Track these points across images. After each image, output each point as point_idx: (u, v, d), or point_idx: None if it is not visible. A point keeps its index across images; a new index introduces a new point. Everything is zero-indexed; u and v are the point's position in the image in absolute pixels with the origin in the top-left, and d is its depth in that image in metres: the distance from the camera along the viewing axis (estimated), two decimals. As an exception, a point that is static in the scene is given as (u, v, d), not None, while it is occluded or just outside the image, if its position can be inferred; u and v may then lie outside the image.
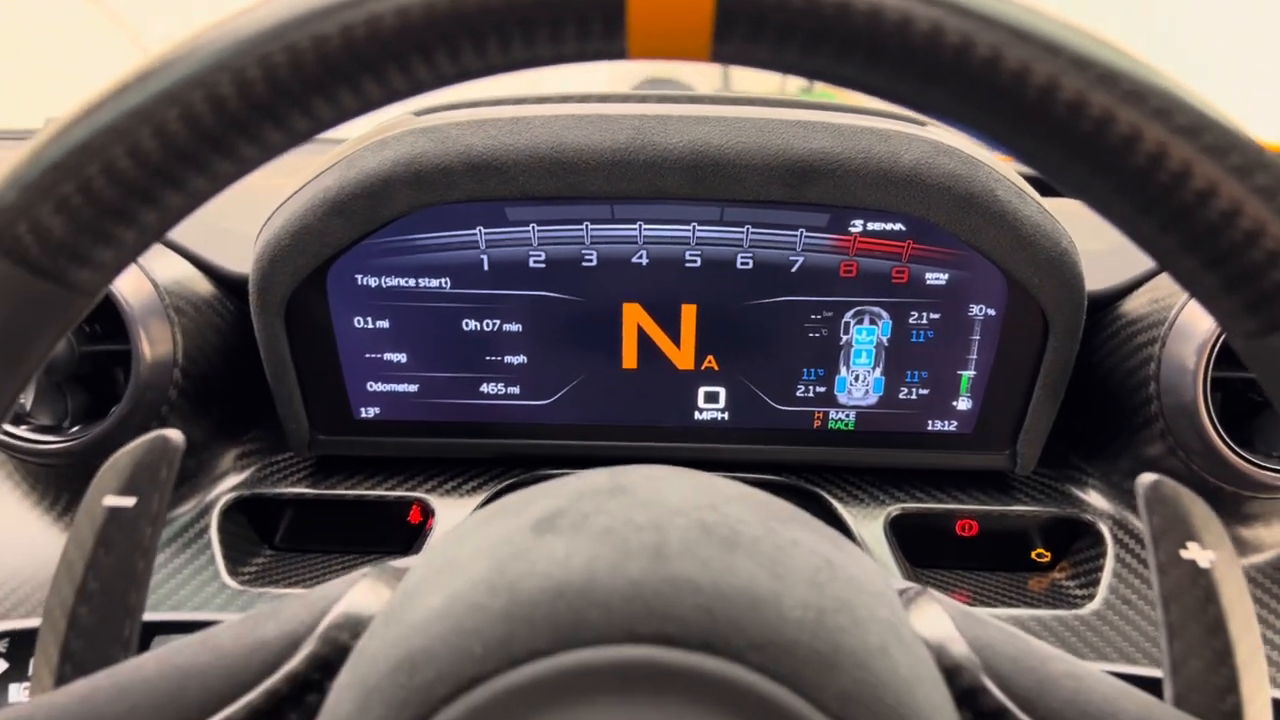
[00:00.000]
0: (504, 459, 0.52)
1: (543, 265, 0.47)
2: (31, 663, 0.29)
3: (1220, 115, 0.20)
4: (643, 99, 0.47)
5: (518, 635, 0.21)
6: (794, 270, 0.47)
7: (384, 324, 0.48)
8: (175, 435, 0.29)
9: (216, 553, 0.48)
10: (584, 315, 0.48)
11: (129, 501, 0.29)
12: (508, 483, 0.52)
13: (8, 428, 0.46)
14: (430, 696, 0.22)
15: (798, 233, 0.46)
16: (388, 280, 0.47)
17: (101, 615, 0.29)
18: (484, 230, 0.46)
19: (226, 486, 0.51)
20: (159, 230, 0.23)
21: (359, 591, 0.27)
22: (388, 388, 0.50)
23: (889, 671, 0.22)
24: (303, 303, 0.47)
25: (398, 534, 0.52)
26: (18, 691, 0.39)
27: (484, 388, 0.50)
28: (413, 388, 0.50)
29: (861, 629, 0.22)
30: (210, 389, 0.49)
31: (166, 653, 0.27)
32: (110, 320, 0.46)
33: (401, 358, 0.49)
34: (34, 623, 0.41)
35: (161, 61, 0.22)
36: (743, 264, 0.47)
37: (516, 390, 0.50)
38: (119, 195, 0.22)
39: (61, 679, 0.29)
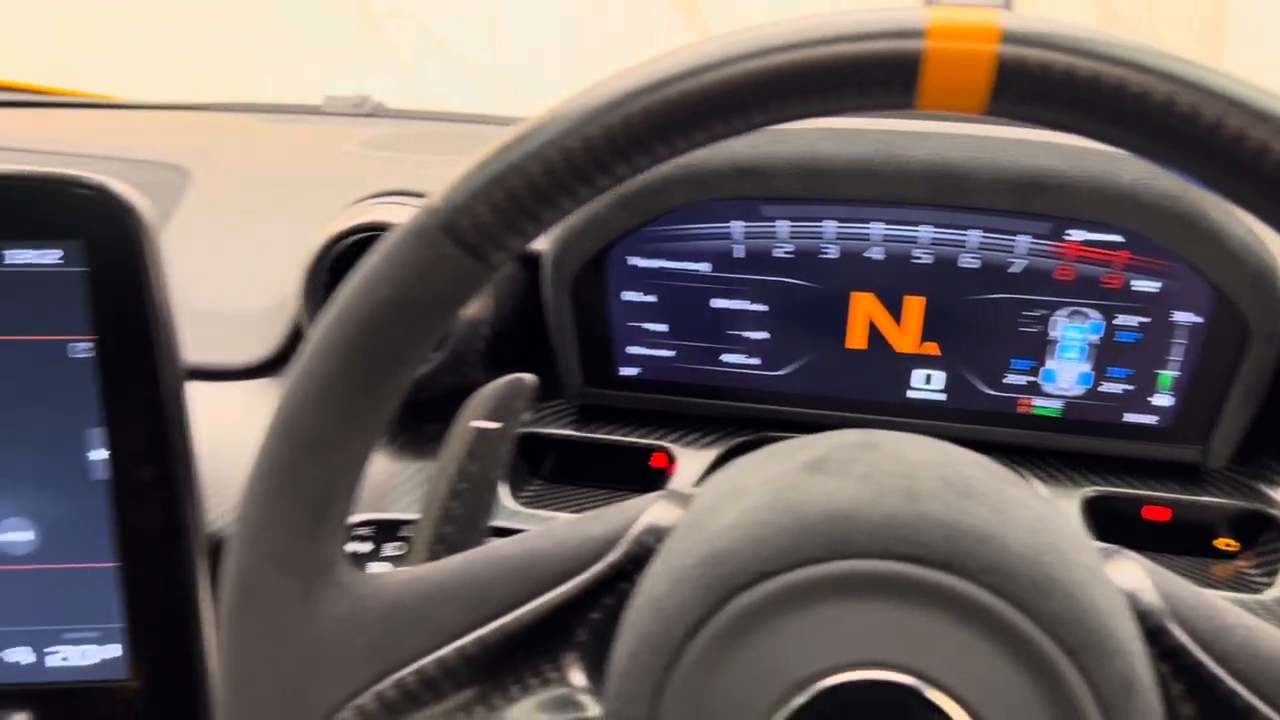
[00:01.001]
0: (738, 419, 0.60)
1: (787, 256, 0.55)
2: (410, 542, 0.39)
3: None
4: (886, 114, 0.54)
5: (799, 545, 0.29)
6: (1014, 271, 0.53)
7: (650, 299, 0.57)
8: (530, 378, 0.39)
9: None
10: (819, 300, 0.56)
11: (493, 425, 0.39)
12: (740, 440, 0.60)
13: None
14: (730, 584, 0.30)
15: (1020, 239, 0.52)
16: (656, 262, 0.56)
17: (468, 509, 0.39)
18: (740, 224, 0.55)
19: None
20: (550, 225, 0.32)
21: (658, 509, 0.35)
22: (647, 352, 0.59)
23: (1090, 603, 0.28)
24: (585, 278, 0.56)
25: (642, 475, 0.61)
26: (374, 568, 0.51)
27: (726, 357, 0.58)
28: (668, 353, 0.59)
29: (1069, 568, 0.29)
30: (505, 344, 0.59)
31: (518, 540, 0.36)
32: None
33: (662, 328, 0.58)
34: (389, 515, 0.53)
35: (562, 108, 0.30)
36: (966, 264, 0.53)
37: (755, 361, 0.58)
38: (532, 200, 0.30)
39: (433, 556, 0.39)
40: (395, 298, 0.31)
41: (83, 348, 0.46)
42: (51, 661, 0.49)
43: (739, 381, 0.59)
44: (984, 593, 0.28)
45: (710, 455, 0.59)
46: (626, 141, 0.29)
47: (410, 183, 0.60)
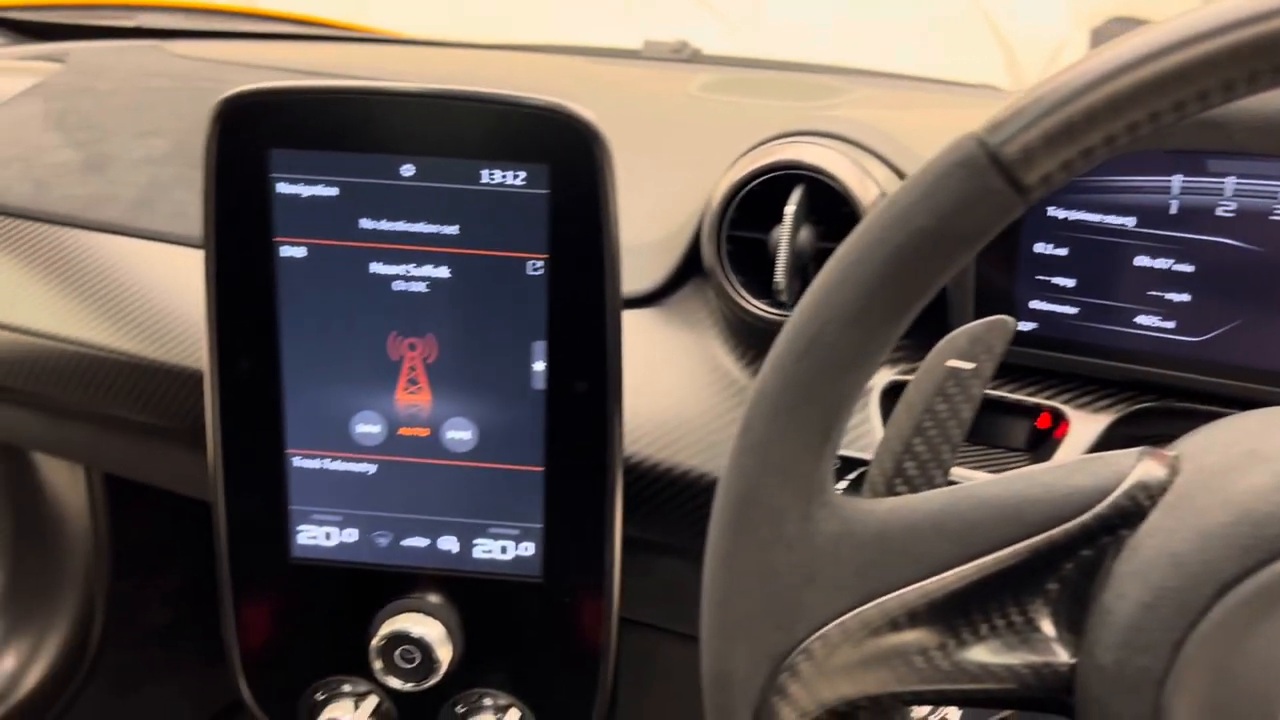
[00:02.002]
0: (1139, 385, 0.57)
1: (1229, 215, 0.51)
2: (867, 476, 0.39)
3: None
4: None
5: None
6: None
7: (1061, 252, 0.55)
8: (1011, 321, 0.38)
9: (876, 424, 0.58)
10: (1259, 263, 0.52)
11: (967, 365, 0.38)
12: (1139, 407, 0.57)
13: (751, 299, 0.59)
14: (1273, 548, 0.29)
15: None
16: (1075, 214, 0.54)
17: (931, 448, 0.39)
18: (1180, 178, 0.51)
19: (884, 375, 0.61)
20: (1092, 165, 0.31)
21: (1146, 466, 0.34)
22: (1049, 307, 0.57)
23: None
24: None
25: (1027, 435, 0.59)
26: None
27: (1140, 319, 0.55)
28: (1072, 310, 0.56)
29: None
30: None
31: (1002, 482, 0.36)
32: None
33: (1069, 283, 0.56)
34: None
35: (1127, 48, 0.29)
36: None
37: (1171, 325, 0.55)
38: (1086, 134, 0.30)
39: (891, 492, 0.39)
40: (934, 229, 0.32)
41: (538, 266, 0.49)
42: (475, 553, 0.54)
43: (1149, 345, 0.55)
44: None
45: (1105, 420, 0.57)
46: (1192, 82, 0.29)
47: (765, 127, 0.60)
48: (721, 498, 0.36)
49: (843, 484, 0.53)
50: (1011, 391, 0.59)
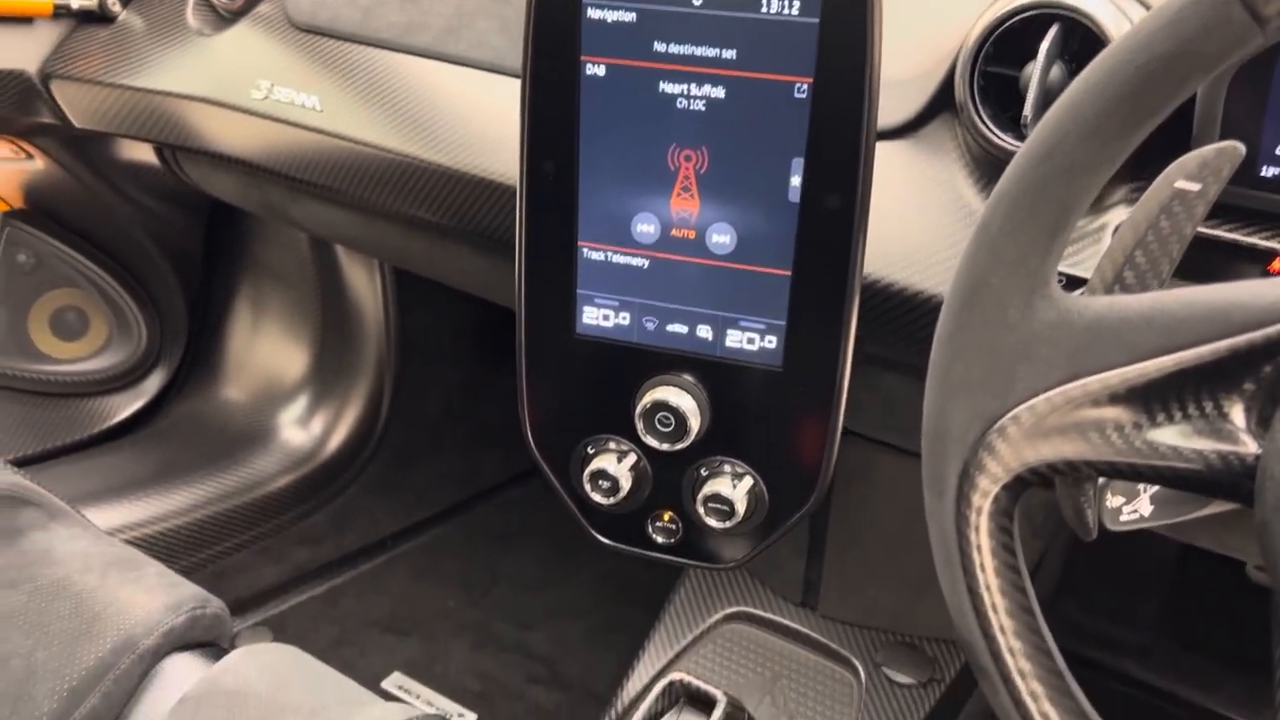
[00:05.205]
0: None
1: None
2: (1089, 281, 0.44)
3: None
4: None
5: None
6: None
7: None
8: (1239, 145, 0.42)
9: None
10: None
11: (1193, 186, 0.42)
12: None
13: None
14: None
15: None
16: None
17: (1151, 261, 0.43)
18: None
19: (1119, 214, 0.64)
20: None
21: None
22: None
23: None
24: (1252, 66, 0.56)
25: (1255, 277, 0.61)
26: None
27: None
28: None
29: None
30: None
31: (1213, 287, 0.40)
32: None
33: None
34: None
35: None
36: None
37: None
38: None
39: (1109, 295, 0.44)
40: (1173, 53, 0.36)
41: (803, 89, 0.55)
42: (726, 341, 0.63)
43: None
44: None
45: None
46: None
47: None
48: (954, 283, 0.42)
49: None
50: (1247, 235, 0.61)
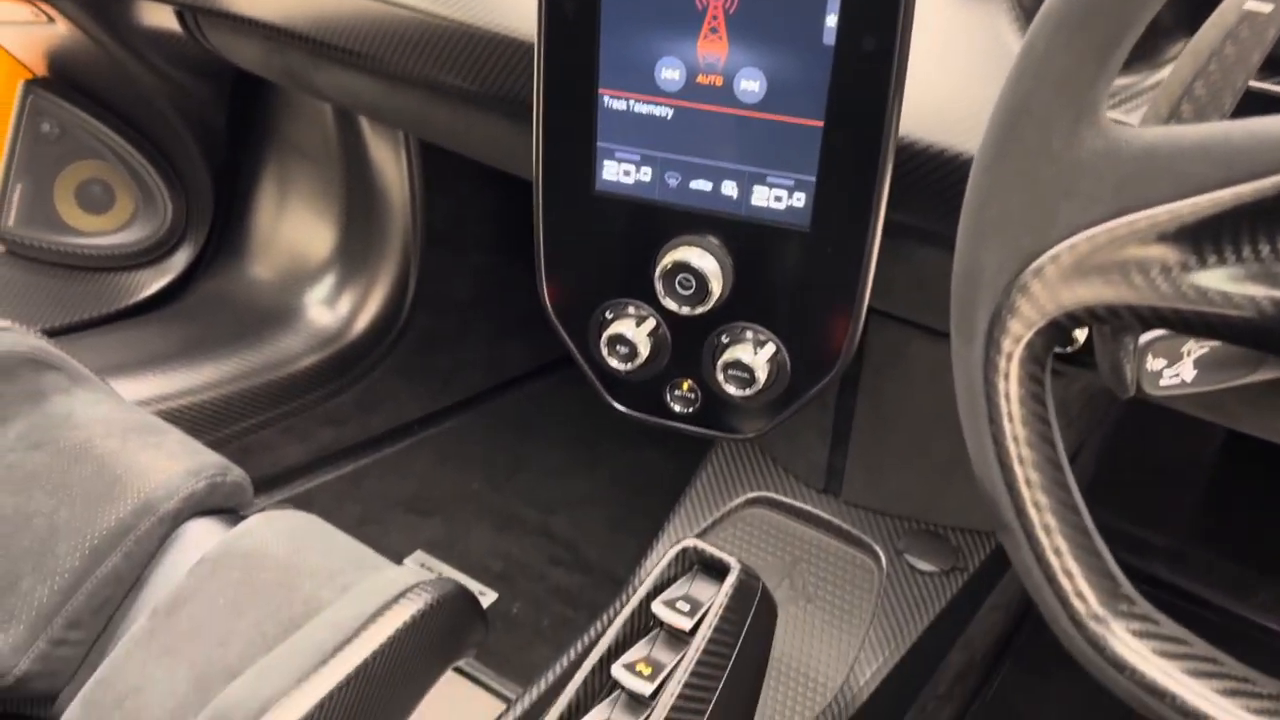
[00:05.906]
0: None
1: None
2: (1145, 113, 0.41)
3: None
4: None
5: None
6: None
7: None
8: None
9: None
10: None
11: (1267, 8, 0.38)
12: None
13: None
14: None
15: None
16: None
17: (1212, 92, 0.39)
18: None
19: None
20: None
21: None
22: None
23: None
24: None
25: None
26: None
27: None
28: None
29: None
30: None
31: (1276, 118, 0.37)
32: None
33: None
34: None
35: None
36: None
37: None
38: None
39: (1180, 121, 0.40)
40: None
41: (842, -83, 0.51)
42: (751, 199, 0.60)
43: None
44: None
45: None
46: None
47: None
48: (995, 111, 0.39)
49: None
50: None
